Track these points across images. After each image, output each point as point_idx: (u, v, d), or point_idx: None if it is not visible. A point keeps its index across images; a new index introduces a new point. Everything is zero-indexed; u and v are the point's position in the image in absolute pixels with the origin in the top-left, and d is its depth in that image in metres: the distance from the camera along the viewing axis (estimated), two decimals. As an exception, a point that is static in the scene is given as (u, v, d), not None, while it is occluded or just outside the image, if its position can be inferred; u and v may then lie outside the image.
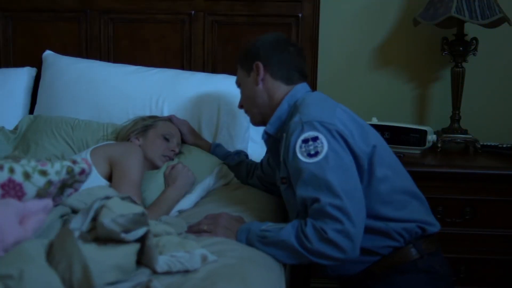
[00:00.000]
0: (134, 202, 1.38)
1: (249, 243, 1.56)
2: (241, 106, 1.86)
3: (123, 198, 1.37)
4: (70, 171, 1.29)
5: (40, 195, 1.26)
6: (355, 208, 1.49)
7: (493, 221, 2.14)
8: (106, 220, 1.25)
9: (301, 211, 1.56)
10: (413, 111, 2.62)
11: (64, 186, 1.33)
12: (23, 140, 2.17)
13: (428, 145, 2.29)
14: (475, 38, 2.37)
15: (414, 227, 1.62)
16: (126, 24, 2.53)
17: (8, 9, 2.56)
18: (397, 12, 2.56)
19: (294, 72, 1.75)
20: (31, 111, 2.45)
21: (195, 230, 1.60)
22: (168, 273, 1.29)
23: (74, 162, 1.32)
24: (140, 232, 1.27)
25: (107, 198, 1.36)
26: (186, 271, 1.31)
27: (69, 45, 2.54)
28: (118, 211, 1.30)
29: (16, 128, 2.25)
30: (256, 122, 1.84)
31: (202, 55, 2.51)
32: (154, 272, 1.28)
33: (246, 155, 2.17)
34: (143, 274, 1.25)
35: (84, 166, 1.33)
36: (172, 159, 1.97)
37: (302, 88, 1.75)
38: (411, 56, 2.59)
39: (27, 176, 1.25)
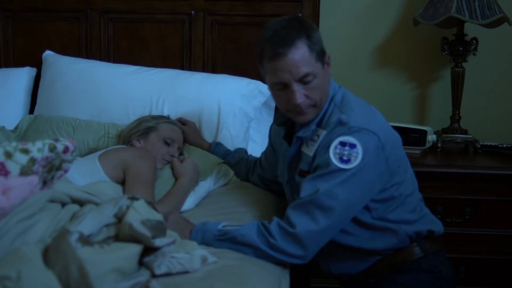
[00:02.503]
0: (155, 208, 1.39)
1: (205, 243, 1.53)
2: (305, 99, 1.58)
3: (148, 203, 1.38)
4: (52, 148, 1.28)
5: (24, 173, 1.24)
6: (342, 219, 1.51)
7: (493, 221, 2.14)
8: (135, 222, 1.25)
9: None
10: (413, 111, 2.62)
11: (52, 167, 1.32)
12: (24, 140, 2.17)
13: (428, 145, 2.29)
14: (475, 38, 2.37)
15: (424, 230, 1.63)
16: (126, 24, 2.53)
17: (8, 9, 2.55)
18: (397, 12, 2.56)
19: None
20: (31, 111, 2.45)
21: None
22: (167, 274, 1.29)
23: (56, 140, 1.31)
24: (169, 240, 1.29)
25: (133, 198, 1.37)
26: (186, 272, 1.31)
27: (69, 45, 2.54)
28: (144, 215, 1.31)
29: (16, 127, 2.25)
30: (311, 118, 1.64)
31: (202, 55, 2.51)
32: (154, 274, 1.28)
33: (246, 151, 2.15)
34: (143, 275, 1.25)
35: (67, 143, 1.31)
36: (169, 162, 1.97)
37: (333, 83, 1.68)
38: (411, 56, 2.59)
39: (8, 155, 1.24)
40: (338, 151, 1.50)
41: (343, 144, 1.51)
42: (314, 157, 1.58)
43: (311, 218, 1.47)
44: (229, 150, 2.15)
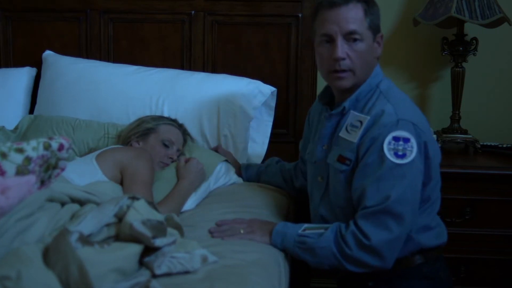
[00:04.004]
0: (156, 208, 1.39)
1: (285, 247, 1.57)
2: (343, 57, 1.57)
3: (148, 203, 1.38)
4: (47, 146, 1.28)
5: (20, 172, 1.25)
6: (412, 221, 1.51)
7: (493, 221, 2.14)
8: (136, 222, 1.26)
9: (354, 200, 1.54)
10: (413, 111, 2.61)
11: (48, 166, 1.32)
12: (24, 140, 2.17)
13: (428, 145, 2.29)
14: (475, 38, 2.37)
15: (432, 245, 1.62)
16: (126, 24, 2.53)
17: (8, 9, 2.55)
18: (397, 12, 2.56)
19: None
20: (31, 111, 2.45)
21: (229, 234, 1.59)
22: (168, 274, 1.29)
23: (51, 138, 1.31)
24: (169, 240, 1.29)
25: (134, 198, 1.37)
26: (186, 272, 1.31)
27: (69, 45, 2.54)
28: (145, 215, 1.32)
29: (16, 127, 2.26)
30: (352, 84, 1.62)
31: (202, 55, 2.50)
32: (154, 274, 1.28)
33: (277, 161, 2.12)
34: (143, 275, 1.25)
35: (62, 141, 1.31)
36: (168, 165, 1.96)
37: (380, 70, 1.67)
38: (411, 56, 2.59)
39: (3, 155, 1.24)
40: (392, 146, 1.49)
41: (396, 139, 1.49)
42: (359, 145, 1.56)
43: (384, 228, 1.47)
44: (260, 168, 2.11)
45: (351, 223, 1.51)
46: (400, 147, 1.49)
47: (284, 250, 1.59)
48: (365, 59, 1.59)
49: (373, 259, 1.48)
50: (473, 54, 2.38)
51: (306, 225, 1.59)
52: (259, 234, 1.60)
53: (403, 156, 1.48)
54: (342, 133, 1.61)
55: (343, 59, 1.57)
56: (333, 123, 1.66)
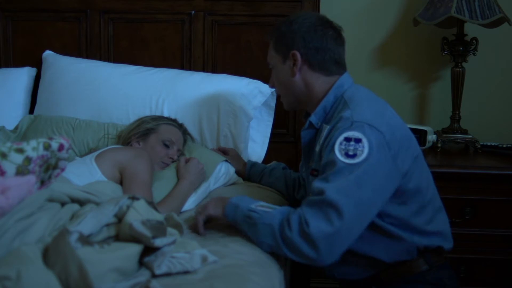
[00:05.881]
0: (155, 208, 1.39)
1: (235, 220, 1.54)
2: (272, 86, 1.76)
3: (148, 203, 1.38)
4: (47, 147, 1.28)
5: (20, 172, 1.25)
6: (356, 219, 1.44)
7: (493, 221, 2.14)
8: (136, 222, 1.26)
9: None
10: (413, 111, 2.62)
11: (48, 166, 1.32)
12: (24, 140, 2.16)
13: (428, 145, 2.29)
14: (475, 38, 2.37)
15: (434, 246, 1.59)
16: (126, 24, 2.53)
17: (8, 9, 2.55)
18: (397, 12, 2.56)
19: (333, 61, 1.65)
20: (31, 111, 2.45)
21: (193, 225, 1.61)
22: (167, 274, 1.29)
23: (51, 138, 1.31)
24: (169, 240, 1.29)
25: (134, 198, 1.37)
26: (186, 272, 1.31)
27: (69, 45, 2.54)
28: (145, 215, 1.31)
29: (16, 127, 2.26)
30: (290, 107, 1.76)
31: (202, 55, 2.51)
32: (154, 274, 1.28)
33: (283, 167, 2.11)
34: (143, 275, 1.25)
35: (62, 141, 1.31)
36: (168, 165, 1.97)
37: (348, 79, 1.66)
38: (411, 56, 2.59)
39: (3, 155, 1.24)
40: (343, 147, 1.46)
41: (348, 139, 1.47)
42: (320, 153, 1.56)
43: (324, 218, 1.41)
44: (265, 169, 2.11)
45: (299, 208, 1.47)
46: (351, 147, 1.46)
47: (235, 223, 1.55)
48: (279, 82, 1.70)
49: (308, 249, 1.41)
50: (473, 54, 2.38)
51: (262, 202, 1.56)
52: (211, 207, 1.59)
53: (354, 156, 1.45)
54: (317, 148, 1.62)
55: (272, 87, 1.76)
56: (308, 139, 1.69)
